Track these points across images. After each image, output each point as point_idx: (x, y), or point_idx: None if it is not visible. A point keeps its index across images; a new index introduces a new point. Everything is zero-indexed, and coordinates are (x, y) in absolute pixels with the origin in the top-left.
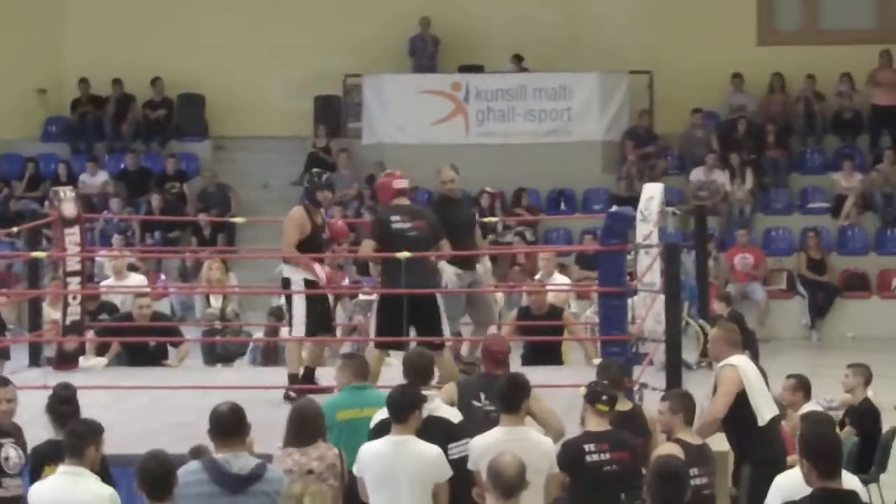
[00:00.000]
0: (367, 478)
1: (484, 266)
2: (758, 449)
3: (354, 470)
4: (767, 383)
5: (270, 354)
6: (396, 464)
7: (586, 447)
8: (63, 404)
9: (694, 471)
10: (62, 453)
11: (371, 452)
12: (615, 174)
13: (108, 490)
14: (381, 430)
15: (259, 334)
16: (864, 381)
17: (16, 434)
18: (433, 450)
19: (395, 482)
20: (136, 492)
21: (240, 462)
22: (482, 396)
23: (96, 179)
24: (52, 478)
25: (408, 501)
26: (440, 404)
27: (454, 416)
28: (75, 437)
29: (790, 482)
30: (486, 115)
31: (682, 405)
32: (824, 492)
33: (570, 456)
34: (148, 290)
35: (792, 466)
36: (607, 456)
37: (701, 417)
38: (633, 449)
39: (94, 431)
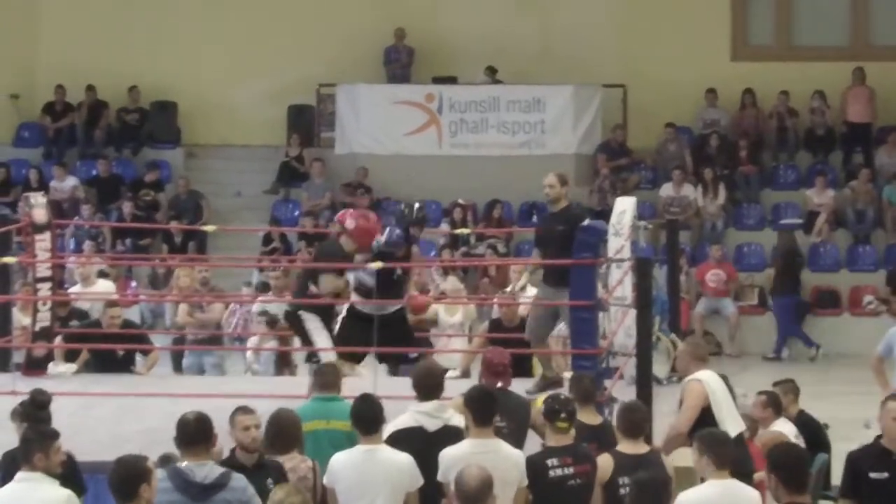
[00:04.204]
0: (338, 488)
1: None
2: None
3: (325, 481)
4: (735, 399)
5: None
6: (370, 473)
7: (549, 462)
8: (39, 409)
9: (623, 479)
10: None
11: (343, 462)
12: (588, 187)
13: (64, 493)
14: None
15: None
16: (794, 398)
17: None
18: (405, 458)
19: (370, 491)
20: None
21: (204, 470)
22: None
23: (66, 185)
24: (10, 484)
25: None
26: (454, 414)
27: None
28: (23, 444)
29: (695, 499)
30: (459, 127)
31: (621, 417)
32: None
33: (534, 471)
34: (117, 297)
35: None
36: (571, 470)
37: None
38: (595, 461)
39: (41, 438)
